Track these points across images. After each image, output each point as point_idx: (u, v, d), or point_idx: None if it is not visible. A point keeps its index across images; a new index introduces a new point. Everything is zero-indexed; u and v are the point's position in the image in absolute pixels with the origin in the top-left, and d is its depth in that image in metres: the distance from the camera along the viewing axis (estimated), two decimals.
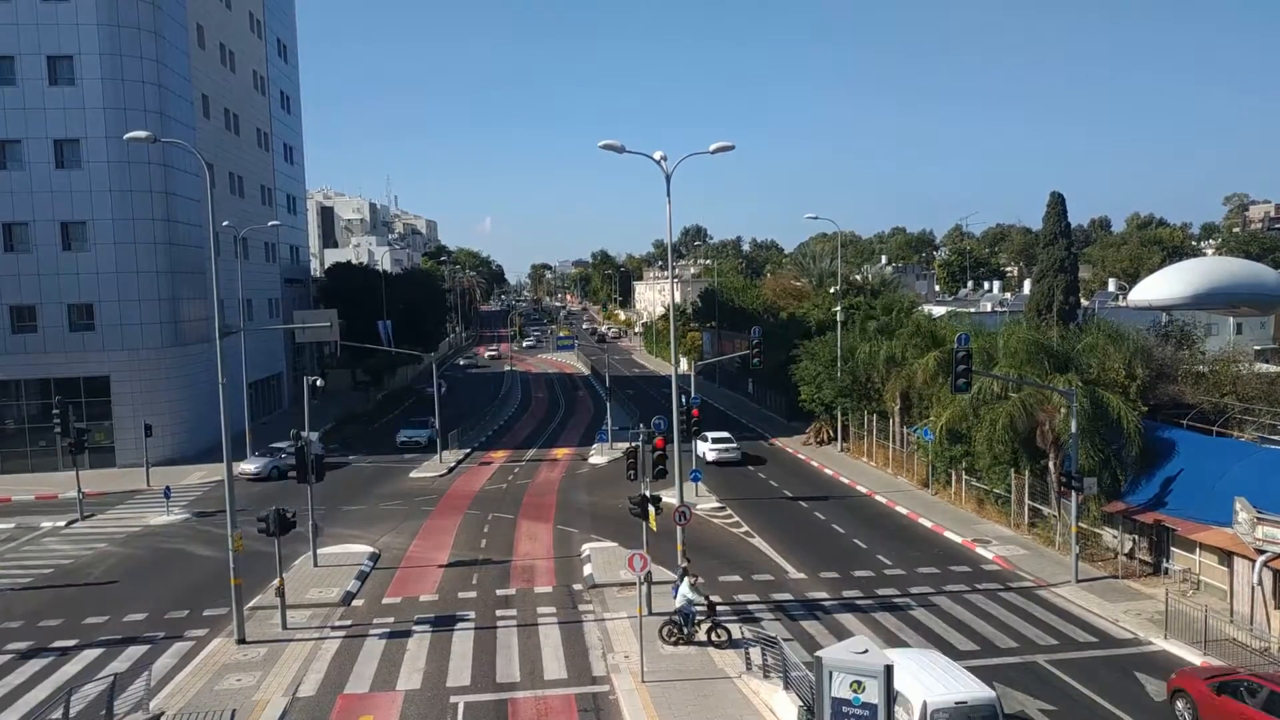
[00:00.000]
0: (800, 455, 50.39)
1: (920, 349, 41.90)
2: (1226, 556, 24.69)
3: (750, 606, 26.47)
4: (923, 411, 40.49)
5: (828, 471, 45.68)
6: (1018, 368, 31.58)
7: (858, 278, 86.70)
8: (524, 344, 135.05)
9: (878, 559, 30.92)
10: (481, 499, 41.82)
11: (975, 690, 16.81)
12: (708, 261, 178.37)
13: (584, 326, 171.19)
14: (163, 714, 19.91)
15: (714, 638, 23.06)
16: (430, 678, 21.91)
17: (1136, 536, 28.83)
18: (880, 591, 27.71)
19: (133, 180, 48.69)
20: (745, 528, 35.35)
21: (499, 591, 28.33)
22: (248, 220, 58.44)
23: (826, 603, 26.80)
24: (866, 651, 14.95)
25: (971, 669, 18.39)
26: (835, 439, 51.30)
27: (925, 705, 16.03)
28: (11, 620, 26.67)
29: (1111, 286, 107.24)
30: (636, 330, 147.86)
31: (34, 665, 23.27)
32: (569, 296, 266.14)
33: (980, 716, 16.32)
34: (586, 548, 32.48)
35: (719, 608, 24.28)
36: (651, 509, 24.96)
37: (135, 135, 25.48)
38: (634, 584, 23.37)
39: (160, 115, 48.88)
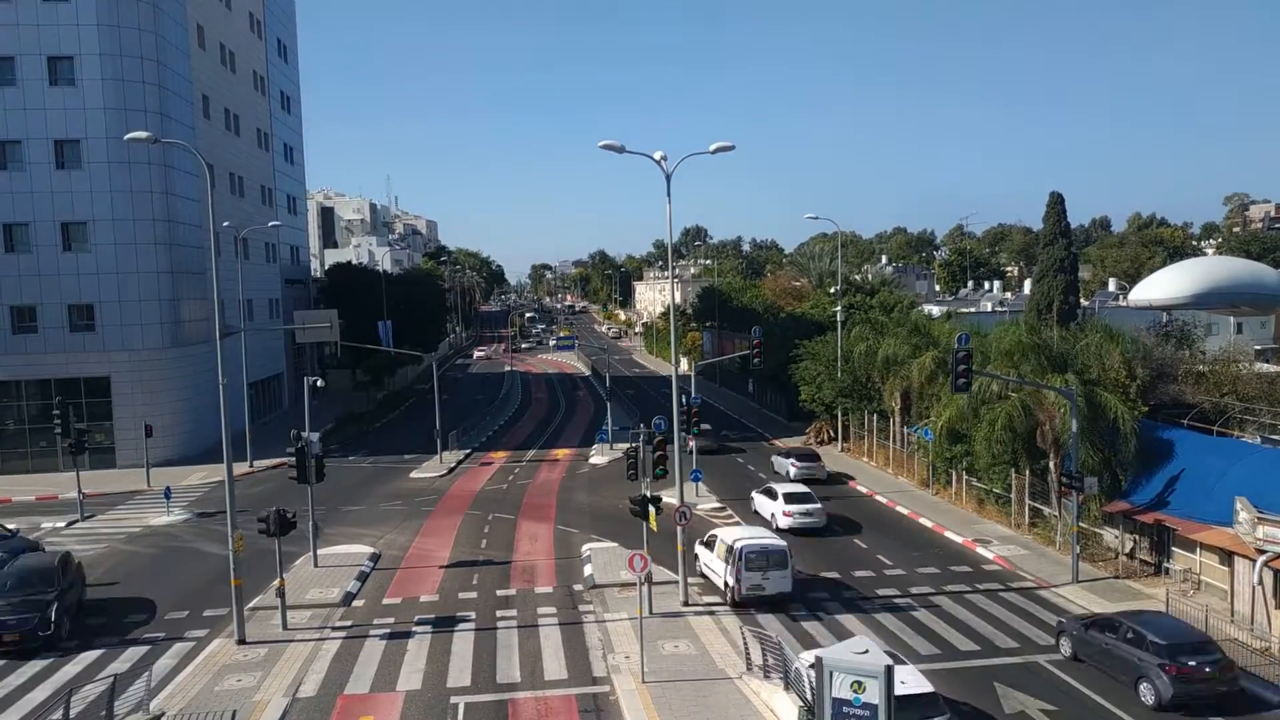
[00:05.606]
0: None
1: (918, 348, 41.92)
2: (1227, 556, 24.68)
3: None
4: (923, 411, 40.48)
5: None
6: (1013, 368, 31.59)
7: (858, 277, 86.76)
8: (522, 345, 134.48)
9: (878, 559, 30.92)
10: (482, 499, 41.82)
11: (769, 539, 26.66)
12: (708, 261, 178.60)
13: (600, 330, 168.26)
14: (163, 714, 19.91)
15: None
16: (431, 678, 21.91)
17: (1137, 536, 28.82)
18: (881, 591, 27.72)
19: (133, 181, 48.68)
20: None
21: (499, 592, 28.33)
22: (248, 220, 58.43)
23: (827, 603, 26.79)
24: (867, 652, 14.97)
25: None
26: (835, 439, 51.29)
27: (733, 544, 25.50)
28: None
29: (1112, 286, 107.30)
30: (637, 330, 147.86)
31: (34, 666, 23.26)
32: (569, 296, 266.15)
33: (773, 558, 25.53)
34: (587, 548, 32.46)
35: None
36: (652, 509, 24.98)
37: (135, 136, 25.51)
38: (634, 584, 23.38)
39: (160, 116, 48.88)
